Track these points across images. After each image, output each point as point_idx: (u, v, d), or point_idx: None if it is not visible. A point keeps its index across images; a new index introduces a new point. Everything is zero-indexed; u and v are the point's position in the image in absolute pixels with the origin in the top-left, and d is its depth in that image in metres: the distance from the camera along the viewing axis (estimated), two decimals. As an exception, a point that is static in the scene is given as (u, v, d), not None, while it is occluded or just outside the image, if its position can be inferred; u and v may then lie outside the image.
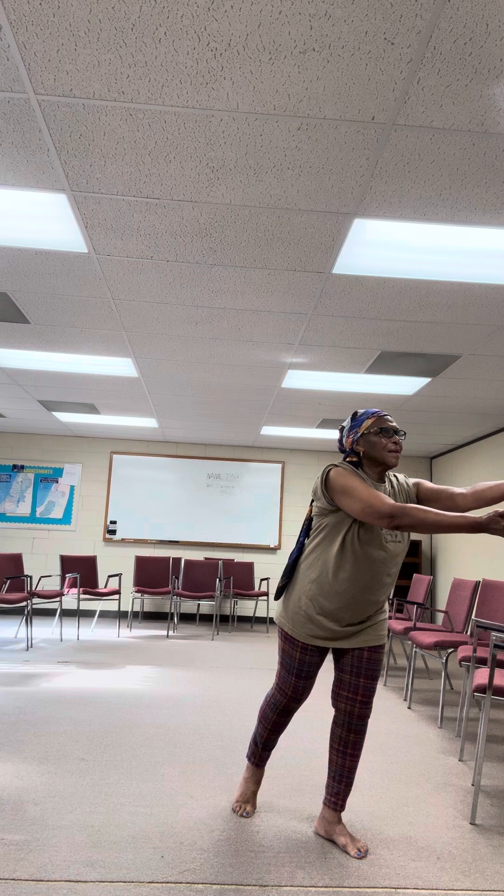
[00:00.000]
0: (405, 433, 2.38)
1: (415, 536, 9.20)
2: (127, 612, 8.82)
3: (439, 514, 2.03)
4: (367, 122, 2.13)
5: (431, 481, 9.08)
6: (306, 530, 2.42)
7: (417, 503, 2.40)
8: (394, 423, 2.37)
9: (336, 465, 2.29)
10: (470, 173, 2.40)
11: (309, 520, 2.42)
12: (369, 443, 2.34)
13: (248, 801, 2.56)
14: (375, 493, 2.13)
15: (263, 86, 1.99)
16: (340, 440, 2.45)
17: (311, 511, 2.41)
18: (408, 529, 2.08)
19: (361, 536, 2.26)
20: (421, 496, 2.40)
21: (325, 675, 5.39)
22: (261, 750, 2.53)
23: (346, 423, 2.44)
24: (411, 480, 2.45)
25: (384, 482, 2.38)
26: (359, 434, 2.36)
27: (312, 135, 2.22)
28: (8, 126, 2.26)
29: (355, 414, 2.42)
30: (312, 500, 2.40)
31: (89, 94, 2.08)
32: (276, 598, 2.47)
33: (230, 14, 1.75)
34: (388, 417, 2.38)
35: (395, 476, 2.46)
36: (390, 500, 2.10)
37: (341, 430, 2.46)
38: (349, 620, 2.32)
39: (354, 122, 2.14)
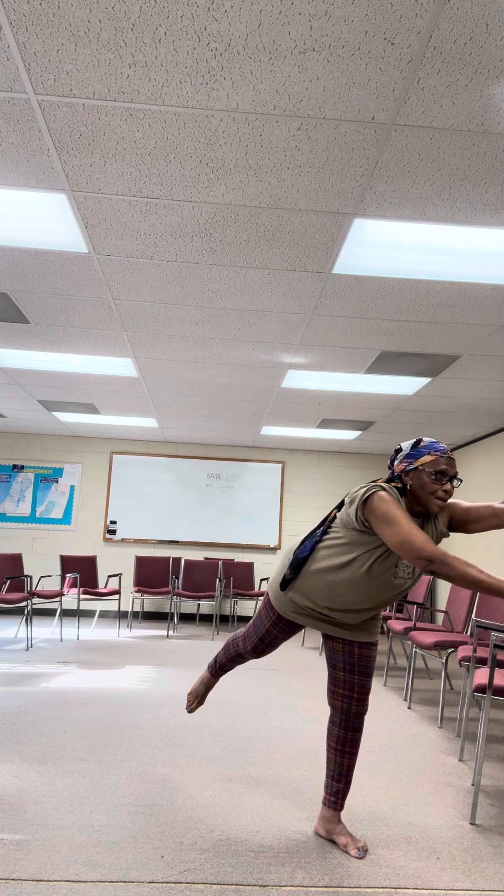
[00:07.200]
0: (461, 481, 2.31)
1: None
2: (127, 612, 8.82)
3: (482, 574, 1.90)
4: (367, 122, 2.13)
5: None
6: (325, 529, 2.30)
7: (452, 529, 2.29)
8: (453, 469, 2.18)
9: (382, 489, 2.13)
10: (470, 173, 2.40)
11: (332, 519, 2.30)
12: (419, 480, 2.17)
13: (197, 697, 2.75)
14: (417, 531, 2.01)
15: (263, 86, 1.99)
16: (392, 461, 2.29)
17: (335, 513, 2.30)
18: (441, 578, 1.96)
19: (374, 568, 2.17)
20: (457, 521, 2.27)
21: (321, 674, 5.39)
22: (217, 669, 2.71)
23: (405, 448, 2.26)
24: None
25: (419, 518, 2.25)
26: (412, 466, 2.19)
27: (312, 135, 2.22)
28: (8, 126, 2.26)
29: (419, 441, 2.24)
30: (341, 505, 2.27)
31: (89, 94, 2.08)
32: (282, 588, 2.34)
33: (230, 14, 1.75)
34: (451, 460, 2.20)
35: None
36: (431, 543, 1.99)
37: (397, 451, 2.29)
38: (335, 619, 2.31)
39: (354, 122, 2.14)
